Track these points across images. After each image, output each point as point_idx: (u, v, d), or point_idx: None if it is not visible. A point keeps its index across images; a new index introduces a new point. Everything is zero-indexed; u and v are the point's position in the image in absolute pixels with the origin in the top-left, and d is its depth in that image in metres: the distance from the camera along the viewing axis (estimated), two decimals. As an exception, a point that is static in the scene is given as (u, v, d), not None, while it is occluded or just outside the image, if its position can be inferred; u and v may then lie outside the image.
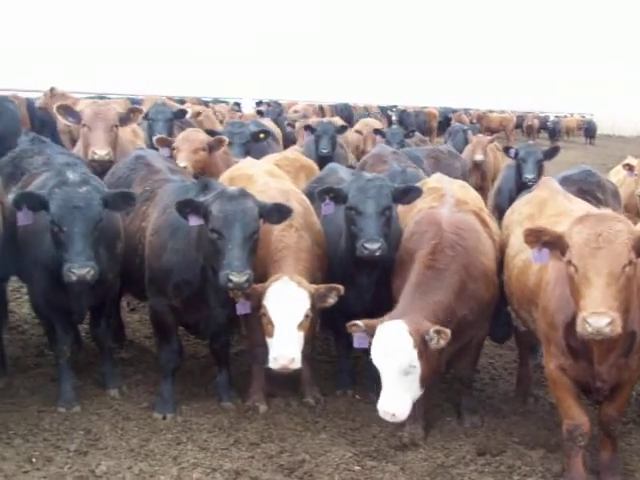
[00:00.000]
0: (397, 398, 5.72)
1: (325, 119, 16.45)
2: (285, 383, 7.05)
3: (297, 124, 16.85)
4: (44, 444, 6.17)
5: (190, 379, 7.48)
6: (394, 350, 5.71)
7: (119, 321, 8.23)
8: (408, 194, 6.91)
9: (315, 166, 9.74)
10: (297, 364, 6.12)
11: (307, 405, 7.06)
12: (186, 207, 6.12)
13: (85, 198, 6.04)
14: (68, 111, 8.91)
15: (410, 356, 5.70)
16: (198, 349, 8.12)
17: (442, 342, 5.77)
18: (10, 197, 7.04)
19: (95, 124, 8.52)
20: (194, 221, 6.11)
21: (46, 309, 6.75)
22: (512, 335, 7.66)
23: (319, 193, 6.96)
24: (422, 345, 5.73)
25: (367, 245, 6.50)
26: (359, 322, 6.00)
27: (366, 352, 6.07)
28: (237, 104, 20.59)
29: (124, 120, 8.88)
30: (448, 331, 5.76)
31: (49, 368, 7.53)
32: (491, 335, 7.38)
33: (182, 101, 22.28)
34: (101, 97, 20.30)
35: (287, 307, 6.17)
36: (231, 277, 5.84)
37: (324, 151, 11.98)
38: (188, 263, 6.45)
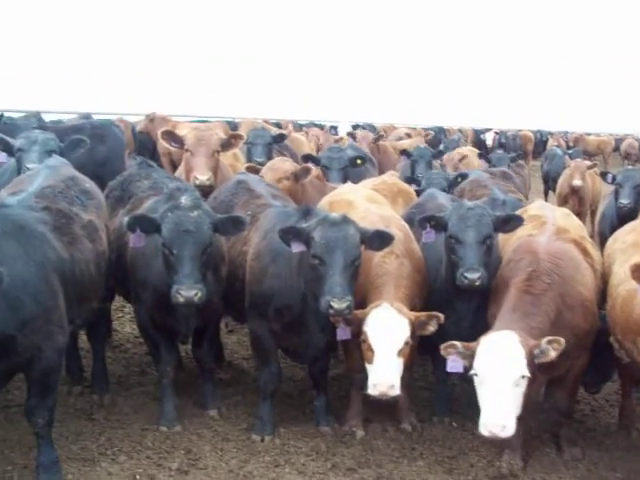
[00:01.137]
0: (505, 411, 5.54)
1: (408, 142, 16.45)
2: (382, 409, 7.03)
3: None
4: (147, 462, 6.31)
5: (288, 402, 7.54)
6: (506, 359, 5.58)
7: (218, 342, 8.36)
8: (509, 223, 6.86)
9: (412, 191, 9.73)
10: (396, 391, 6.11)
11: (404, 431, 7.04)
12: (289, 233, 6.20)
13: (196, 222, 6.17)
14: (172, 136, 9.11)
15: (522, 366, 5.58)
16: (295, 372, 8.18)
17: (553, 353, 5.68)
18: (116, 220, 7.29)
19: (197, 149, 8.67)
20: (296, 247, 6.18)
21: (152, 329, 6.92)
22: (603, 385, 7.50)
23: (420, 221, 6.98)
24: (530, 357, 5.64)
25: (467, 275, 6.49)
26: (456, 342, 5.94)
27: (462, 378, 6.03)
28: (334, 127, 20.77)
29: (225, 145, 9.03)
30: (562, 340, 5.67)
31: (151, 387, 7.72)
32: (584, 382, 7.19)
33: (278, 124, 22.56)
34: (203, 121, 20.70)
35: (387, 334, 6.16)
36: (332, 303, 5.88)
37: (420, 176, 11.95)
38: (289, 288, 6.52)
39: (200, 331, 7.02)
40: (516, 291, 6.18)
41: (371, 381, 6.13)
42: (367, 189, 8.48)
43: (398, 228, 7.05)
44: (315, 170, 10.73)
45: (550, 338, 5.69)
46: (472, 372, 5.70)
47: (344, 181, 10.03)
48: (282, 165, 9.39)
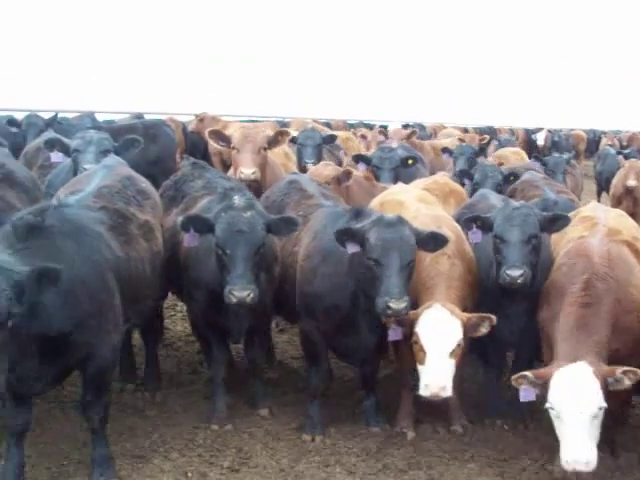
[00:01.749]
0: (587, 445, 5.41)
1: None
2: (433, 410, 7.01)
3: None
4: (198, 460, 6.36)
5: (338, 402, 7.54)
6: (583, 393, 5.47)
7: (269, 342, 8.40)
8: (556, 222, 6.80)
9: (464, 191, 9.68)
10: (448, 392, 6.08)
11: (455, 433, 7.00)
12: (344, 235, 6.19)
13: (249, 223, 6.20)
14: (219, 136, 9.25)
15: (598, 398, 5.47)
16: (345, 372, 8.18)
17: (627, 382, 5.58)
18: (170, 219, 7.36)
19: (244, 146, 8.77)
20: (351, 248, 6.17)
21: (204, 328, 6.98)
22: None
23: (465, 221, 6.97)
24: (605, 387, 5.53)
25: (509, 272, 6.45)
26: (527, 373, 5.81)
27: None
28: (384, 127, 20.70)
29: (273, 142, 9.08)
30: (638, 371, 5.56)
31: (202, 385, 7.79)
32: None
33: (328, 124, 22.56)
34: (252, 121, 20.82)
35: (440, 335, 6.14)
36: (390, 304, 5.88)
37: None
38: (339, 288, 6.52)
39: (252, 330, 7.05)
40: (575, 305, 6.05)
41: (423, 382, 6.11)
42: (418, 189, 8.44)
43: (450, 229, 7.01)
44: (364, 171, 10.75)
45: (626, 369, 5.58)
46: (548, 405, 5.59)
47: (395, 181, 10.01)
48: (323, 171, 9.41)
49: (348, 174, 9.37)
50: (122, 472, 6.03)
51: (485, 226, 6.82)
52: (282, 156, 11.02)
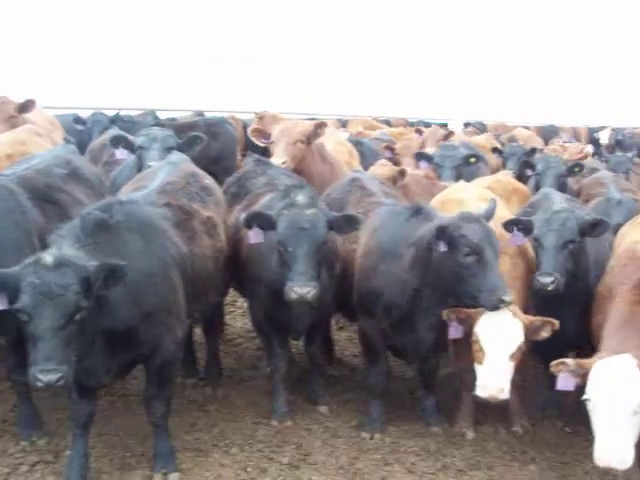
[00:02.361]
0: (622, 443, 5.20)
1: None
2: (493, 410, 6.95)
3: None
4: (258, 455, 6.40)
5: (398, 400, 7.53)
6: (624, 386, 5.29)
7: (329, 339, 8.41)
8: (596, 227, 6.72)
9: (527, 190, 9.57)
10: (505, 395, 6.01)
11: (515, 434, 6.94)
12: (441, 233, 6.11)
13: (312, 220, 6.22)
14: (261, 133, 9.37)
15: None
16: (405, 371, 8.15)
17: None
18: (232, 216, 7.43)
19: (280, 139, 8.89)
20: (443, 247, 6.13)
21: (265, 325, 7.01)
22: None
23: (506, 224, 6.87)
24: None
25: (539, 278, 6.47)
26: (568, 360, 5.72)
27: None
28: (444, 125, 20.55)
29: (312, 136, 9.10)
30: None
31: (262, 381, 7.83)
32: None
33: (388, 122, 22.46)
34: (312, 118, 20.82)
35: (500, 337, 6.08)
36: (504, 298, 5.90)
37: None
38: (398, 286, 6.50)
39: (312, 327, 7.08)
40: (624, 303, 5.97)
41: (480, 383, 6.06)
42: (480, 187, 8.37)
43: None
44: (425, 169, 10.71)
45: None
46: (585, 397, 5.45)
47: (457, 179, 9.94)
48: (377, 171, 9.42)
49: (402, 173, 9.36)
50: (183, 465, 6.10)
51: (526, 229, 6.78)
52: (346, 154, 11.02)
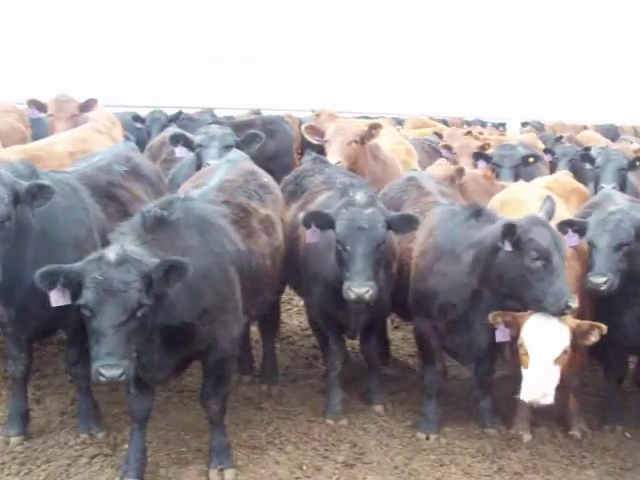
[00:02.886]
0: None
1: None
2: (550, 413, 6.87)
3: None
4: (313, 453, 6.41)
5: (453, 401, 7.48)
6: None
7: (385, 338, 8.39)
8: None
9: (587, 190, 9.44)
10: (548, 400, 5.93)
11: (573, 438, 6.85)
12: (508, 232, 6.07)
13: (370, 220, 6.21)
14: (315, 131, 9.45)
15: None
16: (461, 371, 8.10)
17: None
18: (290, 213, 7.45)
19: (334, 138, 8.91)
20: (508, 247, 6.08)
21: (322, 323, 7.02)
22: None
23: (561, 225, 6.75)
24: None
25: (592, 279, 6.41)
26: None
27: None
28: (501, 125, 20.39)
29: (366, 136, 9.11)
30: None
31: (317, 380, 7.85)
32: None
33: (445, 121, 22.32)
34: (365, 117, 20.79)
35: (545, 341, 6.01)
36: (570, 304, 5.87)
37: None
38: (455, 287, 6.47)
39: (369, 326, 7.06)
40: None
41: (524, 387, 6.00)
42: (540, 188, 8.27)
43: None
44: (483, 168, 10.62)
45: None
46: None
47: (515, 179, 9.85)
48: (435, 170, 9.38)
49: (460, 171, 9.29)
50: (239, 462, 6.13)
51: (581, 230, 6.69)
52: (404, 153, 11.00)
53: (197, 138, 8.68)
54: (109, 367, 4.76)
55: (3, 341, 7.15)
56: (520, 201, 7.53)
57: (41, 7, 24.73)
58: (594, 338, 6.12)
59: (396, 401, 7.45)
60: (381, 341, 7.91)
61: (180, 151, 8.85)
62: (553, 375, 5.98)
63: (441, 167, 9.62)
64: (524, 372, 6.07)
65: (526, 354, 6.07)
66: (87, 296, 4.85)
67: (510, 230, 6.00)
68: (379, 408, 7.23)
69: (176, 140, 8.81)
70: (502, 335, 6.29)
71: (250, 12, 28.49)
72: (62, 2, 25.08)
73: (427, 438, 6.76)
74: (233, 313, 5.82)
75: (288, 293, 9.17)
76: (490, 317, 6.22)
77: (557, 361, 5.98)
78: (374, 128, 9.20)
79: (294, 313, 9.86)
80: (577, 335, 6.08)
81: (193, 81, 25.17)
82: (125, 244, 5.07)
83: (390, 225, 6.34)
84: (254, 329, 8.04)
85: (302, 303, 9.28)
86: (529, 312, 6.16)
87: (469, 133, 14.50)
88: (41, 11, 24.69)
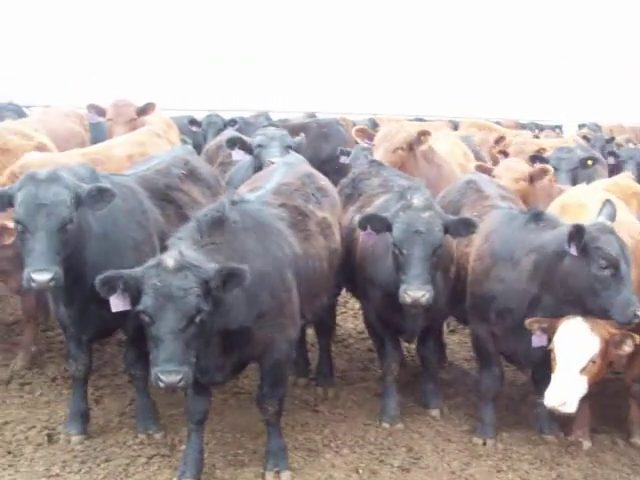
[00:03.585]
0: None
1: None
2: (611, 419, 6.76)
3: None
4: (369, 457, 6.39)
5: (510, 406, 7.40)
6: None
7: (441, 342, 8.33)
8: None
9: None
10: (569, 409, 5.86)
11: (635, 446, 6.74)
12: (574, 238, 5.99)
13: (427, 223, 6.18)
14: (366, 134, 9.47)
15: None
16: (518, 376, 8.01)
17: None
18: (347, 216, 7.45)
19: (380, 144, 8.95)
20: (574, 251, 6.02)
21: (379, 326, 6.99)
22: None
23: None
24: None
25: None
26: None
27: None
28: (558, 127, 20.13)
29: (414, 142, 9.09)
30: None
31: (373, 383, 7.83)
32: None
33: (499, 124, 22.10)
34: (419, 119, 20.70)
35: (573, 349, 5.94)
36: (638, 312, 5.79)
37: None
38: (514, 291, 6.39)
39: (426, 330, 7.03)
40: None
41: (547, 392, 5.92)
42: (601, 191, 8.13)
43: (630, 235, 6.70)
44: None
45: None
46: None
47: (573, 183, 9.71)
48: (518, 165, 9.27)
49: (544, 171, 9.14)
50: (294, 464, 6.14)
51: None
52: (461, 156, 10.94)
53: (256, 139, 8.76)
54: (168, 373, 4.82)
55: (64, 341, 7.28)
56: (582, 205, 7.41)
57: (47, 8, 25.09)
58: (628, 348, 6.04)
59: (452, 405, 7.40)
60: (437, 345, 7.86)
61: (237, 154, 8.92)
62: (578, 384, 5.91)
63: (520, 163, 9.46)
64: (552, 377, 6.01)
65: (554, 360, 6.03)
66: (146, 302, 4.91)
67: (578, 233, 5.92)
68: (435, 412, 7.20)
69: (233, 143, 8.88)
70: (539, 341, 6.22)
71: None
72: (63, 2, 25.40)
73: (484, 443, 6.70)
74: (290, 316, 5.83)
75: (343, 296, 9.17)
76: (527, 323, 6.17)
77: (584, 371, 5.91)
78: (423, 135, 9.18)
79: (349, 316, 9.86)
80: (610, 344, 5.99)
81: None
82: (183, 250, 5.11)
83: (448, 229, 6.30)
84: (310, 332, 8.06)
85: (358, 306, 9.30)
86: (564, 318, 6.09)
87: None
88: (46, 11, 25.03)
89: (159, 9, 27.60)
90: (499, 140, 13.05)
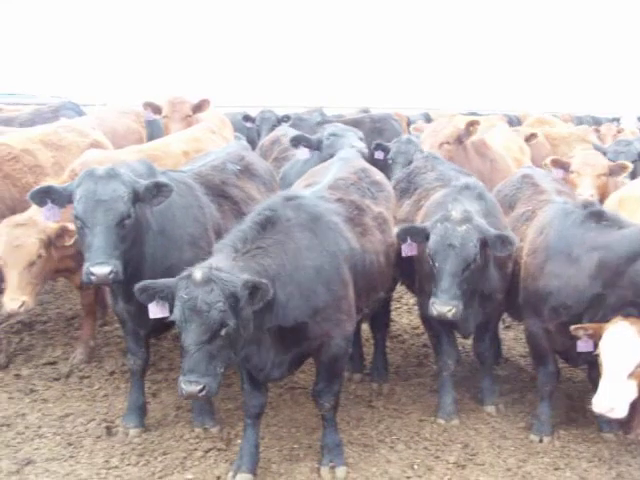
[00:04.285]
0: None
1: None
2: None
3: None
4: (424, 453, 6.38)
5: (567, 403, 7.32)
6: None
7: (496, 338, 8.26)
8: None
9: None
10: (617, 414, 5.77)
11: (698, 445, 6.60)
12: None
13: (462, 238, 6.14)
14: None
15: None
16: (575, 373, 7.91)
17: None
18: (401, 211, 7.43)
19: (426, 140, 9.06)
20: None
21: (435, 322, 6.95)
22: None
23: None
24: None
25: None
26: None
27: None
28: (615, 120, 19.76)
29: (463, 136, 9.12)
30: None
31: (428, 379, 7.81)
32: None
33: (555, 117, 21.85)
34: (472, 113, 20.53)
35: (620, 354, 5.83)
36: None
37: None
38: (572, 289, 6.28)
39: (482, 326, 6.98)
40: None
41: (595, 398, 5.84)
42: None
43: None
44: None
45: None
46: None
47: (632, 176, 9.54)
48: (600, 160, 9.13)
49: (623, 167, 8.97)
50: (350, 459, 6.15)
51: None
52: (516, 150, 10.85)
53: (328, 130, 9.06)
54: (189, 383, 4.90)
55: (122, 336, 7.39)
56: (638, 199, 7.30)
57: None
58: None
59: (508, 402, 7.33)
60: (493, 341, 7.79)
61: (302, 153, 8.96)
62: (626, 390, 5.81)
63: (599, 158, 9.31)
64: (600, 383, 5.92)
65: (601, 365, 5.94)
66: (175, 313, 5.00)
67: None
68: (491, 409, 7.15)
69: (297, 141, 8.88)
70: (585, 346, 6.16)
71: (304, 9, 28.70)
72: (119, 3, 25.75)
73: (540, 440, 6.64)
74: (346, 311, 5.82)
75: (398, 291, 9.15)
76: (572, 329, 6.09)
77: (632, 376, 5.81)
78: (471, 125, 9.13)
79: (404, 311, 9.83)
80: None
81: (246, 78, 25.49)
82: (217, 261, 5.15)
83: (485, 243, 6.23)
84: (364, 327, 8.05)
85: (412, 301, 9.28)
86: (610, 323, 6.00)
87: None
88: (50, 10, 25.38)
89: (212, 7, 27.91)
90: (530, 138, 12.85)
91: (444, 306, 6.02)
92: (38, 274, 7.09)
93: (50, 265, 7.26)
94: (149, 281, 5.23)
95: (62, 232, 7.05)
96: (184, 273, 5.06)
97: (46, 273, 7.27)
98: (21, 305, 6.90)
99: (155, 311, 5.26)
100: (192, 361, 4.91)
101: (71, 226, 6.72)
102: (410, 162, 8.74)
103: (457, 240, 6.12)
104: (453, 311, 6.02)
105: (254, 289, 4.98)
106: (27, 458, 6.14)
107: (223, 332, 4.92)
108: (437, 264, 6.16)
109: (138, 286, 5.19)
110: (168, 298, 5.10)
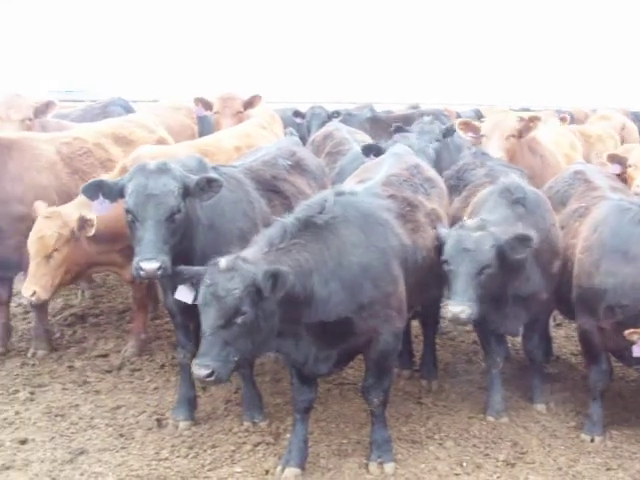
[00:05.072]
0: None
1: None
2: None
3: None
4: (473, 450, 6.33)
5: (620, 402, 7.23)
6: None
7: (547, 336, 8.18)
8: None
9: None
10: None
11: None
12: None
13: (476, 242, 6.12)
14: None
15: None
16: (628, 372, 7.80)
17: None
18: (451, 208, 7.40)
19: (492, 133, 8.98)
20: None
21: (481, 321, 6.90)
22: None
23: None
24: None
25: None
26: None
27: None
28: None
29: (524, 130, 9.06)
30: None
31: (477, 376, 7.75)
32: None
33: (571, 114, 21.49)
34: (525, 109, 20.28)
35: None
36: None
37: None
38: (630, 287, 6.14)
39: (531, 324, 6.93)
40: None
41: None
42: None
43: None
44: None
45: None
46: None
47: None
48: None
49: None
50: (398, 456, 6.14)
51: None
52: (567, 146, 10.75)
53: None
54: (199, 366, 4.96)
55: (172, 330, 7.46)
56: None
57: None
58: None
59: (559, 400, 7.24)
60: (543, 339, 7.72)
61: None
62: None
63: None
64: None
65: None
66: (199, 297, 5.09)
67: None
68: (541, 407, 7.08)
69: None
70: (638, 351, 6.04)
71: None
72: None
73: (592, 440, 6.55)
74: (395, 308, 5.81)
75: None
76: (626, 334, 5.96)
77: None
78: (532, 121, 9.07)
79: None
80: None
81: (296, 74, 25.46)
82: (246, 253, 5.24)
83: (503, 249, 6.16)
84: (414, 323, 8.03)
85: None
86: None
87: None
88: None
89: (258, 5, 28.02)
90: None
91: (457, 307, 5.98)
92: (57, 267, 7.17)
93: (78, 259, 7.36)
94: (184, 267, 5.35)
95: (83, 223, 7.10)
96: (214, 260, 5.14)
97: (72, 267, 7.35)
98: (32, 294, 7.02)
99: (182, 294, 5.36)
100: (206, 345, 4.99)
101: (90, 215, 6.81)
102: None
103: (471, 244, 6.12)
104: (467, 312, 5.97)
105: (274, 279, 5.00)
106: (80, 448, 6.24)
107: (239, 320, 4.97)
108: (452, 267, 6.15)
109: (175, 270, 5.37)
110: (198, 284, 5.18)
